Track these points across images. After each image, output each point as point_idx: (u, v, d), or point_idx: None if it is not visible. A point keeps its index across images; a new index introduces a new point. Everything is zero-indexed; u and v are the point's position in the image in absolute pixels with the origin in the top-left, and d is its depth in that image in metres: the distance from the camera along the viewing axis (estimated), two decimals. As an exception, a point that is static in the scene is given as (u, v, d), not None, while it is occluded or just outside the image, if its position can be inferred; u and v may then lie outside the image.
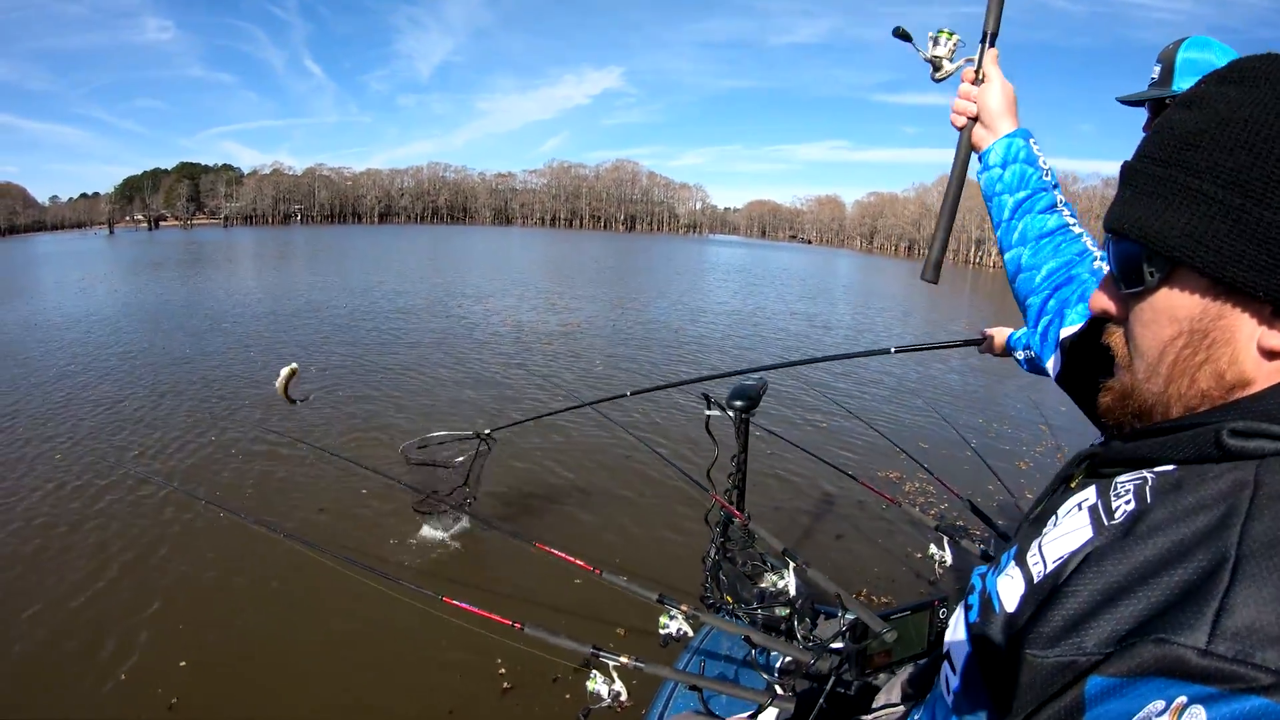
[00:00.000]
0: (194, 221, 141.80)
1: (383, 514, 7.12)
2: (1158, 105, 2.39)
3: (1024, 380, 13.20)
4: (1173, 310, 0.74)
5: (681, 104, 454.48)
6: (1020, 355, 2.17)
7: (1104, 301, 0.84)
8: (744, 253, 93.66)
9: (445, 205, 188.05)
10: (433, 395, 11.99)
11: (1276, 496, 0.61)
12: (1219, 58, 2.28)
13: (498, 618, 3.02)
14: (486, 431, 5.73)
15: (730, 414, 2.84)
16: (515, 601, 5.65)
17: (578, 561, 3.24)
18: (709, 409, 2.92)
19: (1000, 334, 2.98)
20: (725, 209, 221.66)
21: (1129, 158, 0.82)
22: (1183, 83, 2.30)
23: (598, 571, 3.07)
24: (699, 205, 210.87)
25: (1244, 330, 0.70)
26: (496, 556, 6.47)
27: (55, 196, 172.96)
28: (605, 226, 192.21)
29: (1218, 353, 0.72)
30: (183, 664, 4.86)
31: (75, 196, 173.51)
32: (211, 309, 21.41)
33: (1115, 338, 0.84)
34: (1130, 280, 0.78)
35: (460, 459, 5.91)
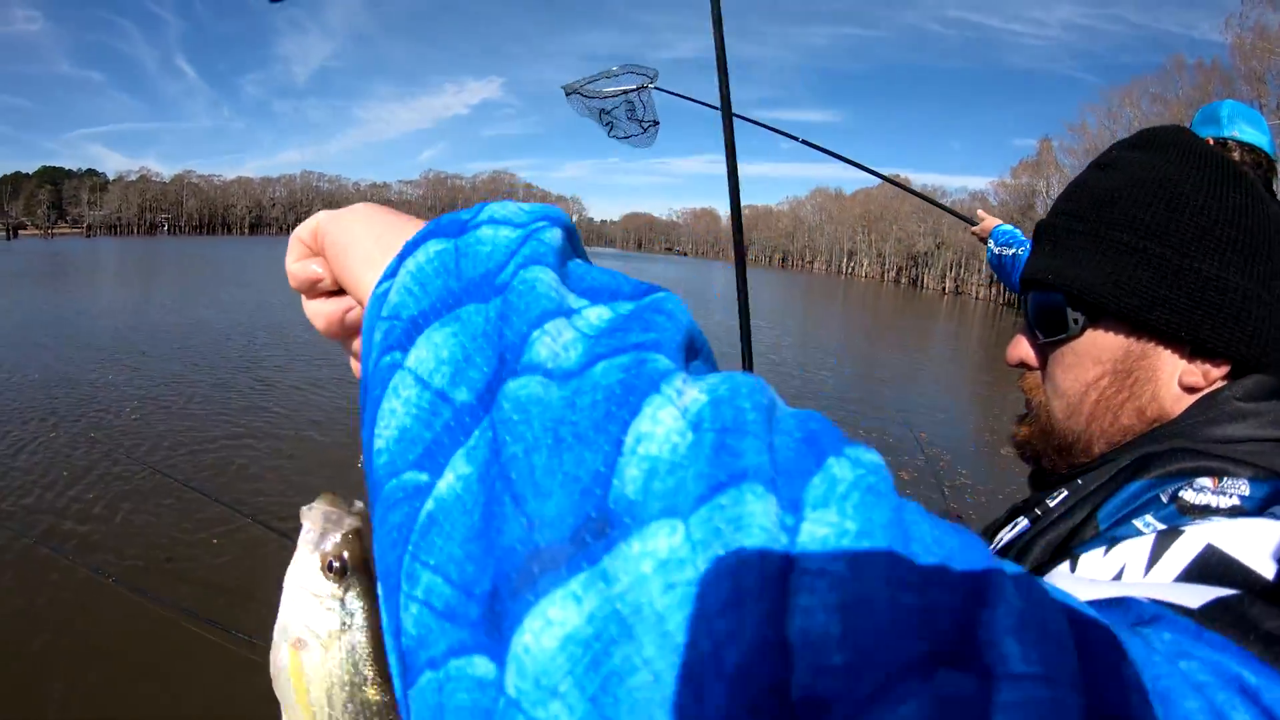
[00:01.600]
0: (55, 231, 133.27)
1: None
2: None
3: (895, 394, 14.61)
4: (1097, 353, 0.78)
5: (561, 116, 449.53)
6: (995, 249, 2.67)
7: (1021, 352, 0.88)
8: (619, 265, 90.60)
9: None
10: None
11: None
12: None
13: None
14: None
15: None
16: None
17: None
18: None
19: (990, 222, 3.05)
20: (602, 221, 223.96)
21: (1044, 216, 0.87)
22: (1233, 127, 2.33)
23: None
24: (576, 218, 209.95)
25: (1166, 368, 0.75)
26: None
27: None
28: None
29: (1140, 390, 0.76)
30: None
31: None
32: (75, 330, 19.17)
33: (1031, 382, 0.89)
34: (1051, 329, 0.82)
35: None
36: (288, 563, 0.62)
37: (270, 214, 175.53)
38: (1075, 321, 0.80)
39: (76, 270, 44.16)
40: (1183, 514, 0.60)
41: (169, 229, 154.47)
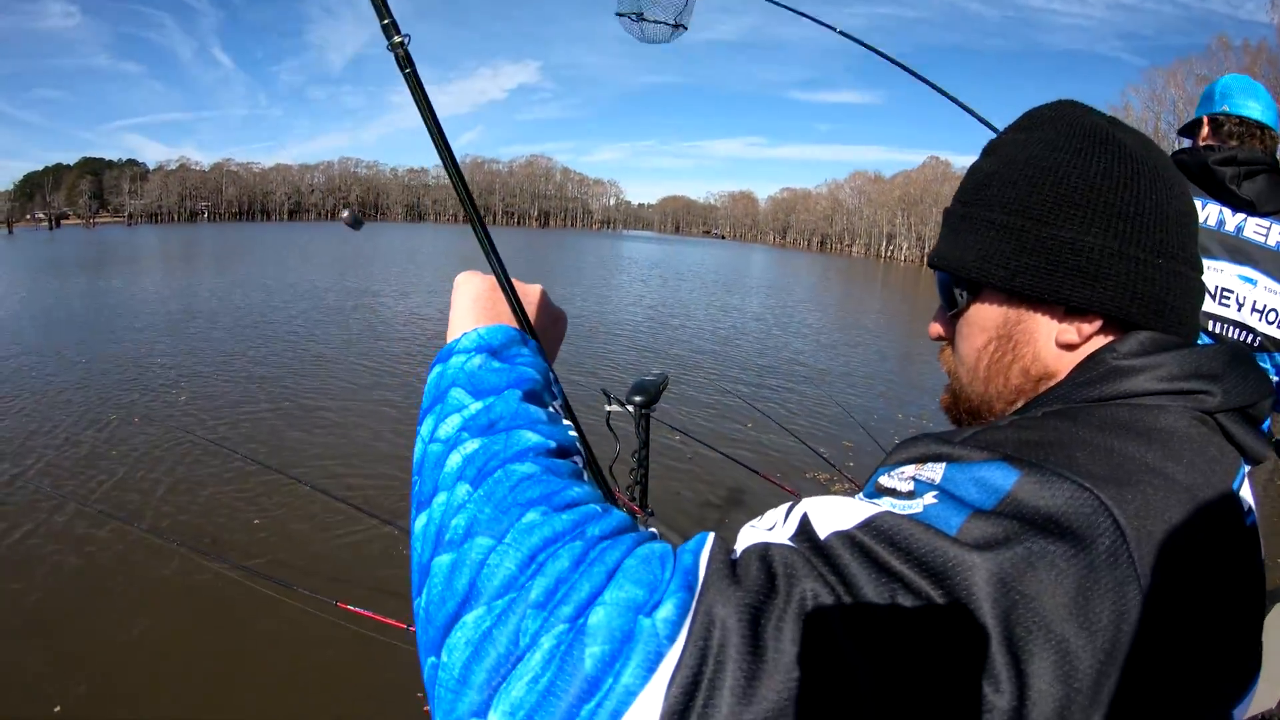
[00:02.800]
0: (96, 220, 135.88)
1: (279, 517, 6.97)
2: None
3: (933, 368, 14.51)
4: (983, 322, 0.85)
5: (598, 99, 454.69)
6: None
7: (937, 328, 0.95)
8: (657, 249, 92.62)
9: (357, 201, 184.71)
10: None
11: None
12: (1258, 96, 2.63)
13: (392, 621, 3.13)
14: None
15: (630, 409, 2.82)
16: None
17: None
18: (609, 405, 2.87)
19: None
20: (639, 204, 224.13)
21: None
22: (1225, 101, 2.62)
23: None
24: (613, 201, 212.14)
25: (1043, 330, 0.80)
26: (390, 555, 6.30)
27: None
28: (518, 222, 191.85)
29: (1022, 351, 0.82)
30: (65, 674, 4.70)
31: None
32: (127, 319, 19.39)
33: (945, 355, 0.94)
34: (949, 305, 0.89)
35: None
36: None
37: (309, 200, 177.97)
38: (961, 296, 0.87)
39: (121, 258, 44.75)
40: (876, 492, 0.66)
41: (209, 216, 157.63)
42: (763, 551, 0.56)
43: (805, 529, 0.59)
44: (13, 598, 5.53)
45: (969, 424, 0.89)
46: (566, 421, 0.73)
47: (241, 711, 4.46)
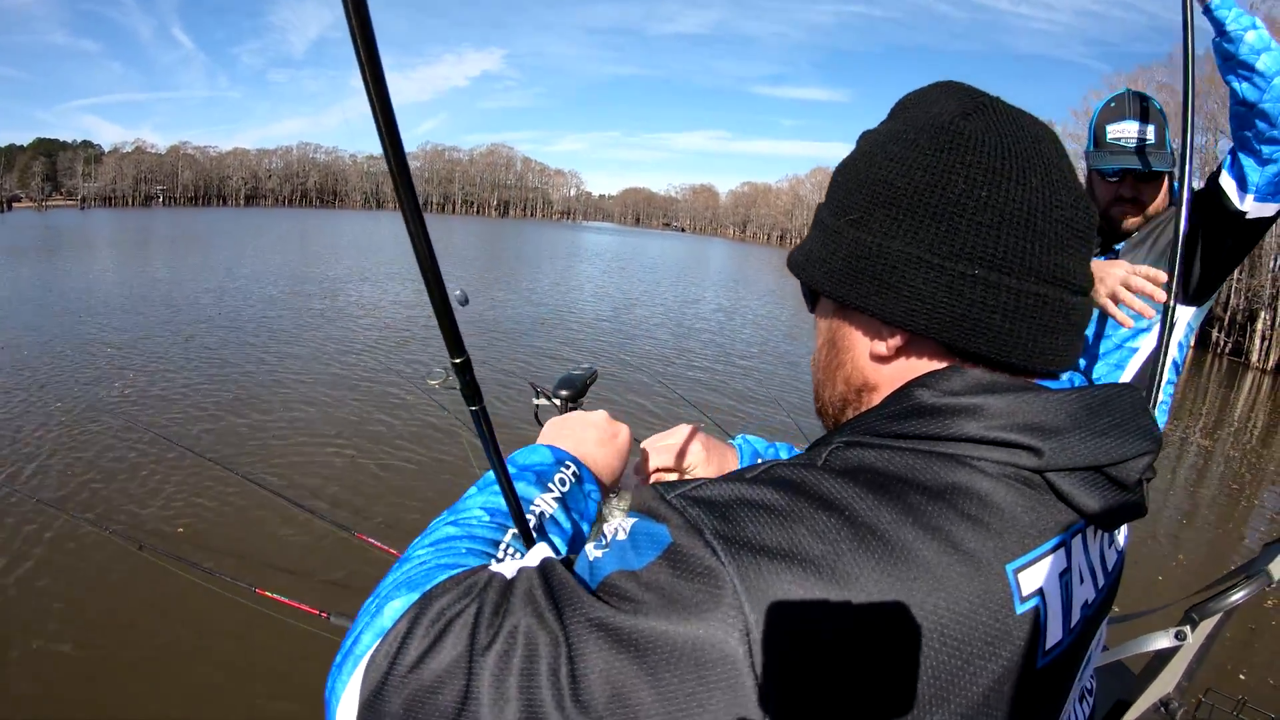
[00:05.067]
0: (49, 203, 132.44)
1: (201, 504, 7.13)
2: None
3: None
4: (822, 326, 0.81)
5: (561, 89, 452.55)
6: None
7: None
8: (615, 240, 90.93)
9: (315, 188, 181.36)
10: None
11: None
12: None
13: (305, 607, 3.19)
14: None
15: (555, 403, 2.80)
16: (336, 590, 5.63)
17: (393, 552, 3.36)
18: (536, 399, 2.77)
19: None
20: (600, 196, 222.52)
21: None
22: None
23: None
24: (574, 192, 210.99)
25: (859, 339, 0.75)
26: (320, 548, 6.39)
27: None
28: (478, 212, 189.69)
29: (844, 359, 0.77)
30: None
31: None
32: (79, 304, 19.48)
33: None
34: (809, 306, 0.84)
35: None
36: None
37: (266, 185, 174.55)
38: (810, 300, 0.83)
39: (74, 244, 44.62)
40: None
41: (164, 200, 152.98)
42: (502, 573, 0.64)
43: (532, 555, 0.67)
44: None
45: (827, 427, 0.85)
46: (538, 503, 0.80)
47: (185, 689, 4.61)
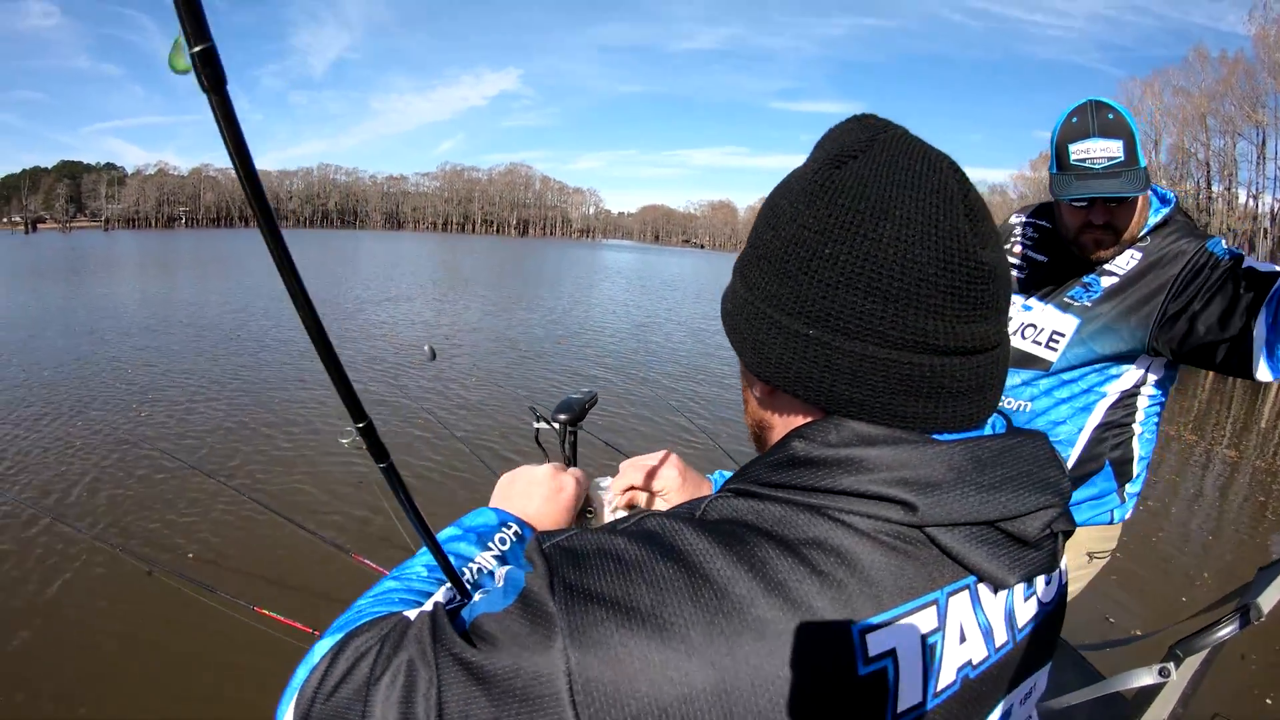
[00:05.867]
0: (73, 224, 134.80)
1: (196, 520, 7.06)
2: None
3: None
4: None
5: (579, 108, 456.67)
6: None
7: None
8: (636, 258, 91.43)
9: (335, 209, 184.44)
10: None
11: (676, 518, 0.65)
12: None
13: (299, 625, 3.23)
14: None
15: (555, 426, 2.77)
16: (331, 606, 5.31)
17: (384, 571, 3.76)
18: (536, 422, 2.83)
19: None
20: (619, 213, 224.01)
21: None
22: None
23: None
24: (592, 210, 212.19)
25: (752, 384, 0.75)
26: (317, 568, 6.22)
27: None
28: (498, 231, 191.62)
29: (746, 396, 0.78)
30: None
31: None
32: (109, 324, 19.40)
33: None
34: None
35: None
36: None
37: (287, 206, 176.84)
38: None
39: (98, 265, 43.16)
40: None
41: (186, 222, 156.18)
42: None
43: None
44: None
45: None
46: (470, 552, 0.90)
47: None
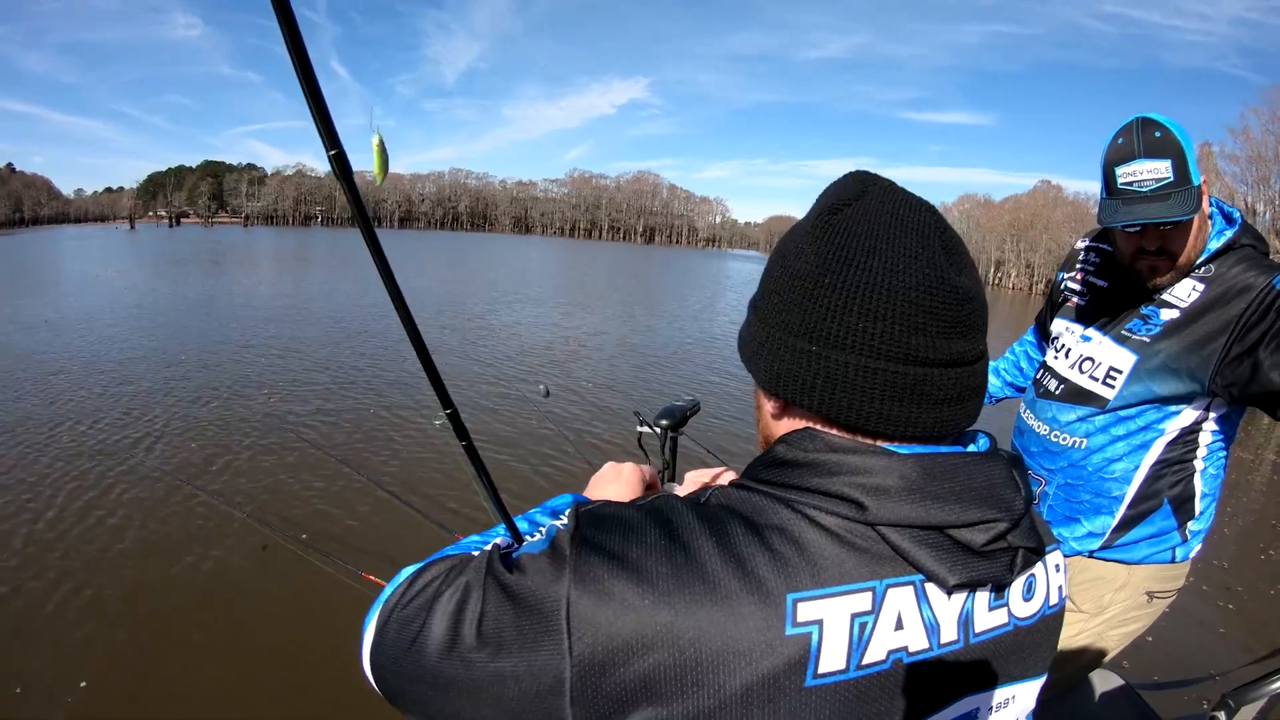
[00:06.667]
0: (215, 220, 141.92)
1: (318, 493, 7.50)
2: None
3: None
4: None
5: (706, 116, 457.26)
6: None
7: None
8: (760, 269, 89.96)
9: (465, 212, 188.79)
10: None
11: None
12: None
13: None
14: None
15: (656, 431, 2.92)
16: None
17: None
18: (640, 426, 2.97)
19: None
20: (745, 223, 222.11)
21: None
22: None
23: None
24: (718, 219, 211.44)
25: (763, 400, 0.86)
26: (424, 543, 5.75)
27: (80, 189, 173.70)
28: (624, 238, 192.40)
29: (760, 414, 0.89)
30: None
31: (99, 190, 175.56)
32: (242, 312, 20.86)
33: None
34: None
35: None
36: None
37: (419, 209, 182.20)
38: None
39: (239, 259, 46.01)
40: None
41: (322, 220, 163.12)
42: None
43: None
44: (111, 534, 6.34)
45: None
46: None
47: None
